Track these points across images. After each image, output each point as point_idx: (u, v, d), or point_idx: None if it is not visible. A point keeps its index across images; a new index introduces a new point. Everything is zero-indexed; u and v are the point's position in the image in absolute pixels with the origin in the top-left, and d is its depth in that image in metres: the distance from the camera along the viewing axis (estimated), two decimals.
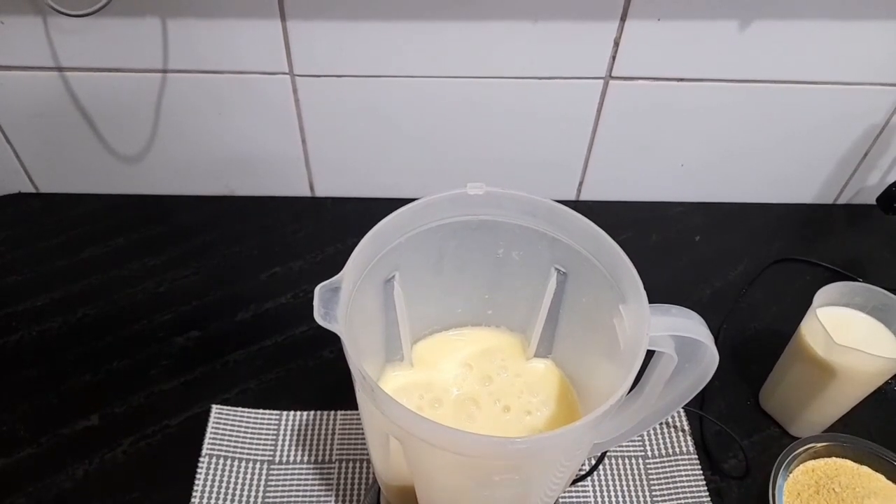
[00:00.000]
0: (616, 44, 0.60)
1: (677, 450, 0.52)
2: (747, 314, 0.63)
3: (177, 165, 0.69)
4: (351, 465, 0.50)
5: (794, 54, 0.61)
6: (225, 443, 0.51)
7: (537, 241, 0.40)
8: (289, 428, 0.52)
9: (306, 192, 0.73)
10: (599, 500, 0.49)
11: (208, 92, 0.63)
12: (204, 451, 0.50)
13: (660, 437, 0.53)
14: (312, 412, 0.53)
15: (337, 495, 0.49)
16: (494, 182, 0.38)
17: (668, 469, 0.51)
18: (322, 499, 0.49)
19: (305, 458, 0.51)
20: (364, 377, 0.30)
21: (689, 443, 0.52)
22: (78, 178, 0.70)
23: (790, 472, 0.47)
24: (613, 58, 0.61)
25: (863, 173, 0.72)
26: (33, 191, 0.72)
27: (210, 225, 0.69)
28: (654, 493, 0.50)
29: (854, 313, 0.51)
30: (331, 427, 0.52)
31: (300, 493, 0.49)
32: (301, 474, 0.50)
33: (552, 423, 0.41)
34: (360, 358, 0.31)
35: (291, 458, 0.51)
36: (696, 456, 0.51)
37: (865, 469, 0.48)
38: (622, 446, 0.52)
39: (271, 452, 0.51)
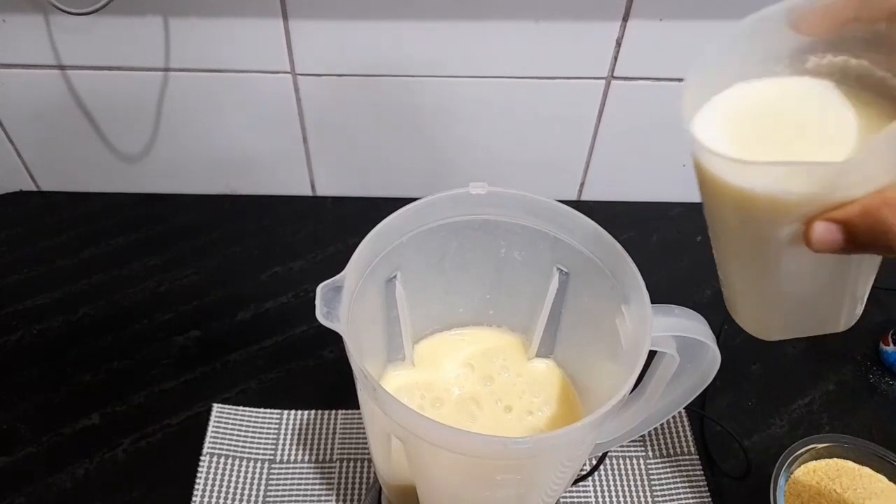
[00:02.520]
0: (618, 43, 0.60)
1: (678, 450, 0.52)
2: None
3: (178, 164, 0.69)
4: (352, 464, 0.50)
5: None
6: (226, 442, 0.51)
7: (539, 240, 0.40)
8: (290, 427, 0.52)
9: (307, 192, 0.73)
10: (600, 500, 0.49)
11: (210, 91, 0.63)
12: (205, 450, 0.50)
13: (661, 437, 0.53)
14: (313, 411, 0.53)
15: (338, 495, 0.49)
16: (495, 182, 0.38)
17: (668, 469, 0.51)
18: (323, 498, 0.49)
19: (306, 458, 0.51)
20: (366, 376, 0.30)
21: (690, 443, 0.52)
22: (79, 177, 0.70)
23: (791, 473, 0.47)
24: (615, 58, 0.61)
25: None
26: (34, 189, 0.72)
27: (210, 225, 0.69)
28: (654, 494, 0.50)
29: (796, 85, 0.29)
30: (332, 426, 0.52)
31: (301, 493, 0.49)
32: (302, 473, 0.50)
33: (554, 424, 0.41)
34: (362, 357, 0.31)
35: (292, 458, 0.51)
36: (697, 456, 0.51)
37: (867, 470, 0.48)
38: (623, 446, 0.52)
39: (272, 451, 0.51)
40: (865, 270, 0.29)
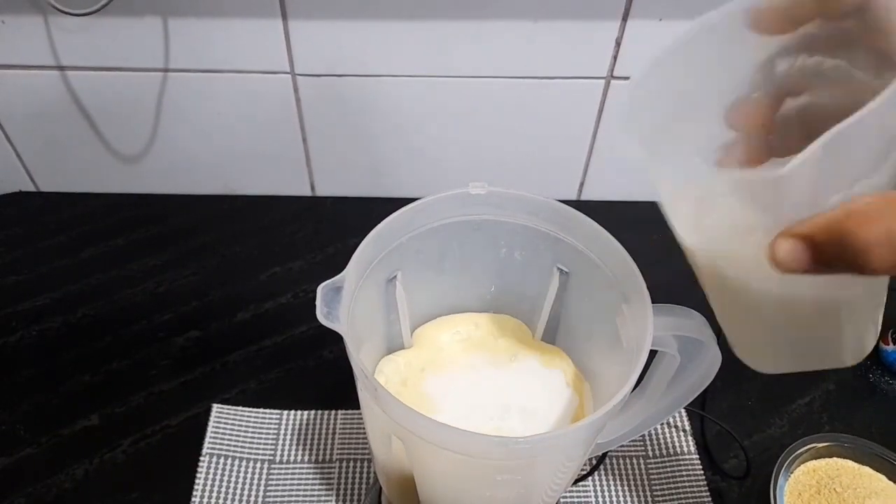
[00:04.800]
0: (617, 43, 0.60)
1: (678, 450, 0.52)
2: None
3: (177, 165, 0.69)
4: (352, 464, 0.50)
5: None
6: (225, 442, 0.50)
7: (539, 240, 0.40)
8: (289, 427, 0.52)
9: (307, 192, 0.73)
10: (600, 499, 0.49)
11: (209, 91, 0.63)
12: (204, 451, 0.50)
13: (661, 436, 0.53)
14: (313, 411, 0.53)
15: (338, 495, 0.49)
16: (495, 182, 0.38)
17: (668, 469, 0.51)
18: (323, 498, 0.49)
19: (306, 458, 0.51)
20: (367, 376, 0.30)
21: (690, 443, 0.52)
22: (78, 177, 0.70)
23: (791, 473, 0.47)
24: (615, 58, 0.61)
25: None
26: (34, 189, 0.72)
27: (210, 225, 0.69)
28: (654, 493, 0.50)
29: None
30: (331, 426, 0.52)
31: (301, 493, 0.49)
32: (302, 474, 0.50)
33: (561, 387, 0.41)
34: (362, 357, 0.31)
35: (292, 458, 0.50)
36: (697, 456, 0.51)
37: (867, 469, 0.48)
38: (623, 446, 0.52)
39: (272, 452, 0.51)
40: (863, 301, 0.28)
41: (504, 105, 0.64)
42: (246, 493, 0.48)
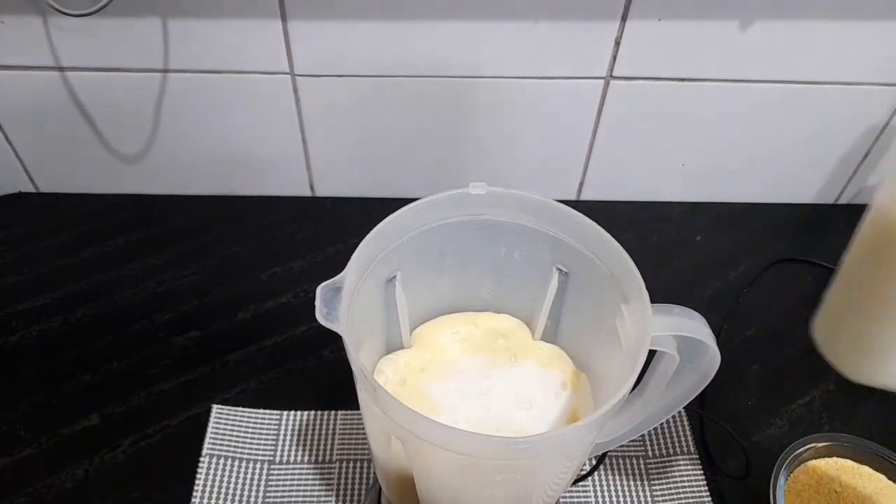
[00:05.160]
0: (617, 44, 0.60)
1: (678, 450, 0.52)
2: (748, 314, 0.63)
3: (177, 165, 0.69)
4: (351, 465, 0.50)
5: (795, 54, 0.61)
6: (225, 442, 0.51)
7: (539, 241, 0.40)
8: (289, 428, 0.52)
9: (306, 192, 0.73)
10: (600, 499, 0.49)
11: (209, 92, 0.63)
12: (204, 451, 0.50)
13: (660, 436, 0.53)
14: (313, 412, 0.53)
15: (337, 495, 0.49)
16: (494, 182, 0.38)
17: (668, 469, 0.51)
18: (322, 499, 0.49)
19: (306, 458, 0.51)
20: (366, 377, 0.30)
21: (690, 443, 0.52)
22: (78, 178, 0.70)
23: (791, 472, 0.47)
24: (614, 58, 0.61)
25: (863, 173, 0.72)
26: (33, 190, 0.72)
27: (210, 225, 0.69)
28: (654, 493, 0.50)
29: None
30: (331, 427, 0.52)
31: (301, 493, 0.49)
32: (301, 474, 0.50)
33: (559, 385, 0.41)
34: (361, 357, 0.31)
35: (292, 458, 0.51)
36: (697, 456, 0.51)
37: (867, 469, 0.48)
38: (623, 446, 0.52)
39: (272, 452, 0.51)
40: None
41: (504, 105, 0.64)
42: (246, 493, 0.48)
